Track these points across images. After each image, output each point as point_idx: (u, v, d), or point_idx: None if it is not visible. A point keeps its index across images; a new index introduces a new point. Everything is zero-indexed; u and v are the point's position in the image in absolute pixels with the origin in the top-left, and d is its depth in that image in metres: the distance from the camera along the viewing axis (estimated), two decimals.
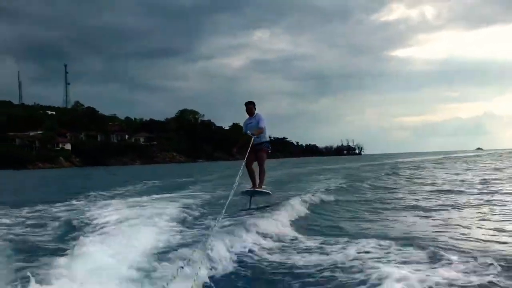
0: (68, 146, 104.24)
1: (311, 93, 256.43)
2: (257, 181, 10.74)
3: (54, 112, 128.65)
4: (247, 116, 10.92)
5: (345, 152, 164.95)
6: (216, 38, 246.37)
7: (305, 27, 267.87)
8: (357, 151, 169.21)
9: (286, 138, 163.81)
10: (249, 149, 10.37)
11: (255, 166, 10.82)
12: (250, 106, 10.83)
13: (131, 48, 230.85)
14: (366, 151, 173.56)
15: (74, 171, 64.06)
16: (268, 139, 11.02)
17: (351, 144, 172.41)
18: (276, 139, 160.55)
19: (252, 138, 10.48)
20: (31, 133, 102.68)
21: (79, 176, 43.39)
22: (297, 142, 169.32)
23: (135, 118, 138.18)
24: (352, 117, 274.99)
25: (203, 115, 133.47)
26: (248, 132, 10.70)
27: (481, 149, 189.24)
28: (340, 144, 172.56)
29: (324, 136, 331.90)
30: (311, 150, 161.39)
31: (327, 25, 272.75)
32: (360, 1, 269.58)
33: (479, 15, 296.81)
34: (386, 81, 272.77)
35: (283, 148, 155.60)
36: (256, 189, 10.71)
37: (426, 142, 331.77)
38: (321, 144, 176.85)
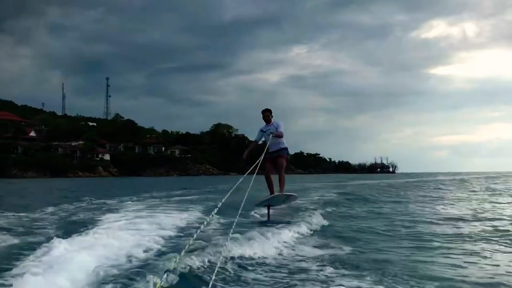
0: (107, 157, 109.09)
1: (348, 109, 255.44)
2: (275, 190, 10.36)
3: (95, 124, 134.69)
4: (264, 124, 10.63)
5: (378, 170, 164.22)
6: (254, 53, 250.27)
7: (344, 43, 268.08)
8: (391, 169, 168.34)
9: (319, 154, 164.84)
10: (263, 155, 10.00)
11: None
12: (267, 113, 10.60)
13: (172, 63, 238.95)
14: (401, 169, 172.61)
15: (110, 180, 67.70)
16: (286, 145, 10.62)
17: (385, 162, 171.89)
18: (309, 155, 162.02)
19: (268, 144, 10.18)
20: (73, 143, 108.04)
21: (114, 184, 46.51)
22: (330, 159, 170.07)
23: (171, 131, 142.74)
24: (388, 135, 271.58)
25: (237, 129, 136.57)
26: (268, 133, 10.33)
27: None
28: (373, 162, 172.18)
29: (358, 153, 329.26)
30: (344, 167, 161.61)
31: (366, 42, 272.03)
32: (400, 18, 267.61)
33: None
34: (425, 99, 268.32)
35: (315, 164, 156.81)
36: (279, 194, 10.24)
37: (465, 162, 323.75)
38: (354, 161, 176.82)
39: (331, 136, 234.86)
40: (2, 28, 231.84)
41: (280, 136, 10.34)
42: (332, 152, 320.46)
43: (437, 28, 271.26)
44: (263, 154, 10.02)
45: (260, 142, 10.79)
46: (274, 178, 10.44)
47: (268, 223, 9.81)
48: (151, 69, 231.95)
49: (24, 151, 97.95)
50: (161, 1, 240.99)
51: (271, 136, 10.19)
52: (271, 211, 10.70)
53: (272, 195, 10.30)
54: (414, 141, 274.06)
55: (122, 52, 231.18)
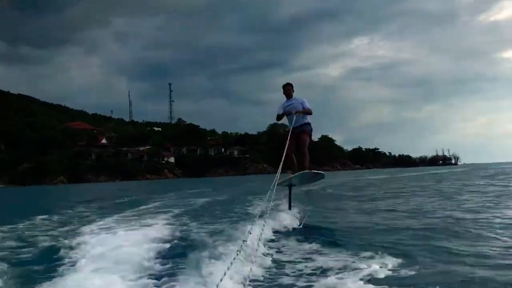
0: (172, 159, 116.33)
1: (414, 100, 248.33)
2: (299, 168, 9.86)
3: (160, 129, 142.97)
4: (285, 99, 10.19)
5: (440, 162, 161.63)
6: (314, 48, 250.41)
7: (408, 32, 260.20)
8: (453, 161, 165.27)
9: (378, 149, 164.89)
10: (290, 133, 9.69)
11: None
12: (288, 87, 10.14)
13: (233, 64, 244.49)
14: (466, 160, 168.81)
15: (175, 181, 73.60)
16: (309, 120, 10.08)
17: (446, 153, 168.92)
18: (367, 150, 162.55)
19: (294, 119, 9.80)
20: (140, 148, 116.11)
21: (182, 183, 51.77)
22: (390, 153, 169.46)
23: (230, 133, 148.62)
24: (458, 125, 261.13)
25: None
26: (294, 112, 9.85)
27: None
28: (435, 154, 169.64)
29: (423, 145, 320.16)
30: (404, 161, 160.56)
31: (431, 29, 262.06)
32: (467, 1, 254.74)
33: None
34: (498, 85, 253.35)
35: (374, 159, 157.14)
36: (304, 172, 9.73)
37: None
38: (416, 154, 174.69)
39: (396, 128, 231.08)
40: (72, 40, 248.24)
41: (309, 113, 10.00)
42: (394, 145, 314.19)
43: (508, 9, 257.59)
44: (290, 132, 9.75)
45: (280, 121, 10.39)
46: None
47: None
48: (213, 71, 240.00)
49: (97, 157, 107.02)
50: (220, 3, 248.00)
51: (294, 114, 9.78)
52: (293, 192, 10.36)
53: (295, 174, 9.73)
54: (486, 130, 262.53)
55: (184, 56, 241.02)
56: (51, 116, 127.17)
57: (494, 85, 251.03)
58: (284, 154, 8.86)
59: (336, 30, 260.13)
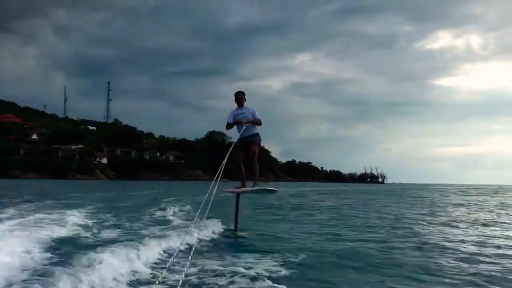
0: (104, 160, 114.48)
1: (349, 118, 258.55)
2: (245, 183, 10.13)
3: (95, 128, 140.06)
4: (235, 107, 10.16)
5: (368, 180, 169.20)
6: (258, 60, 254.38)
7: (349, 52, 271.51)
8: (380, 180, 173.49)
9: (311, 163, 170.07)
10: (235, 142, 9.70)
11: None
12: (240, 96, 10.13)
13: (176, 67, 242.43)
14: (391, 179, 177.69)
15: (104, 183, 72.79)
16: (258, 131, 10.12)
17: (374, 172, 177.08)
18: (301, 163, 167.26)
19: (242, 129, 9.72)
20: (73, 147, 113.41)
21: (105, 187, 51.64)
22: (322, 168, 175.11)
23: (168, 137, 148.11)
24: (389, 145, 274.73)
25: (231, 137, 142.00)
26: (240, 120, 9.87)
27: None
28: (364, 172, 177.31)
29: (354, 162, 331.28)
30: (335, 176, 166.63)
31: (370, 51, 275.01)
32: (405, 29, 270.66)
33: None
34: (429, 110, 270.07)
35: (307, 172, 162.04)
36: (255, 188, 9.88)
37: (467, 174, 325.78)
38: (346, 170, 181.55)
39: (330, 144, 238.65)
40: (8, 28, 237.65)
41: (259, 123, 10.07)
42: (327, 160, 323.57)
43: (442, 39, 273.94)
44: (237, 141, 9.73)
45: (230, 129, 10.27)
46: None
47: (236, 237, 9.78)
48: (155, 73, 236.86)
49: (26, 153, 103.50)
50: (168, 6, 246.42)
51: (245, 124, 9.73)
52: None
53: (252, 188, 9.93)
54: (415, 152, 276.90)
55: (126, 55, 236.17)
56: None
57: (424, 109, 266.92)
58: (223, 163, 8.54)
59: (281, 45, 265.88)
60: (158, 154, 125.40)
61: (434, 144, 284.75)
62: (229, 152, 9.04)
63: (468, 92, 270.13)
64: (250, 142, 9.86)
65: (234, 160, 9.53)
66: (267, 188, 10.60)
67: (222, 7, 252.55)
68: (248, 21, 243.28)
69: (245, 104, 10.15)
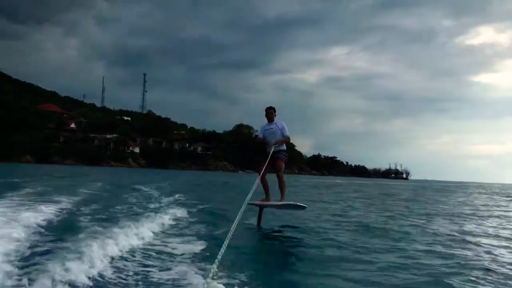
0: (137, 149, 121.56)
1: (385, 113, 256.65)
2: (270, 196, 10.26)
3: (129, 118, 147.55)
4: (266, 122, 10.44)
5: (392, 175, 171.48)
6: (294, 53, 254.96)
7: (386, 46, 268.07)
8: (404, 176, 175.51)
9: (336, 157, 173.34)
10: (268, 159, 9.73)
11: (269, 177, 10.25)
12: (271, 111, 10.40)
13: (212, 59, 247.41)
14: (414, 176, 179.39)
15: (135, 171, 79.05)
16: (285, 147, 10.31)
17: (399, 168, 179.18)
18: (326, 157, 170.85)
19: (272, 148, 9.86)
20: (108, 136, 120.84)
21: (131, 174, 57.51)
22: (347, 162, 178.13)
23: (198, 129, 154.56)
24: (424, 141, 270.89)
25: (257, 130, 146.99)
26: (268, 141, 10.11)
27: None
28: (388, 168, 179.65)
29: (383, 157, 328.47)
30: (359, 171, 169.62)
31: (409, 45, 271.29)
32: (446, 23, 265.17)
33: None
34: (466, 106, 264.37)
35: (331, 166, 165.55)
36: (282, 202, 10.03)
37: (505, 173, 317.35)
38: (371, 165, 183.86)
39: (362, 139, 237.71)
40: (52, 20, 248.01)
41: (286, 141, 10.32)
42: (358, 155, 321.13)
43: (484, 35, 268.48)
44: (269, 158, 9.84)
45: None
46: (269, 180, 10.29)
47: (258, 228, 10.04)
48: (191, 64, 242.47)
49: (65, 141, 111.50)
50: None
51: (273, 145, 9.93)
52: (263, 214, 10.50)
53: (270, 202, 10.23)
54: (450, 148, 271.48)
55: (164, 46, 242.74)
56: (22, 96, 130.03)
57: (461, 106, 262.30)
58: (259, 177, 9.51)
59: (317, 38, 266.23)
60: (187, 145, 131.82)
61: (470, 141, 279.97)
62: (263, 166, 9.63)
63: (508, 89, 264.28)
64: (276, 158, 10.03)
65: (260, 173, 9.78)
66: (296, 204, 10.18)
67: None
68: (285, 13, 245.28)
69: (275, 119, 10.40)
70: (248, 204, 8.14)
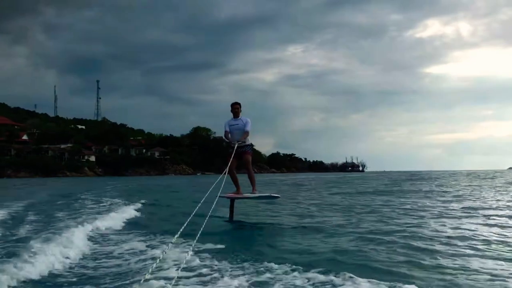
0: (92, 158, 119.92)
1: (342, 108, 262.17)
2: (240, 189, 10.69)
3: (84, 127, 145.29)
4: (231, 117, 10.74)
5: (349, 168, 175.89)
6: (250, 53, 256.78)
7: (339, 43, 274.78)
8: (360, 168, 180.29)
9: (294, 155, 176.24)
10: (233, 155, 10.11)
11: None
12: (236, 106, 10.66)
13: (167, 62, 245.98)
14: (370, 168, 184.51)
15: (92, 179, 78.34)
16: (250, 142, 10.71)
17: (355, 161, 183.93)
18: (285, 155, 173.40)
19: (236, 145, 10.24)
20: (62, 146, 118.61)
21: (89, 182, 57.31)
22: (305, 158, 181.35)
23: (155, 134, 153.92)
24: (382, 134, 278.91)
25: (215, 132, 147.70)
26: (233, 140, 10.46)
27: None
28: (345, 161, 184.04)
29: (342, 152, 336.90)
30: (317, 167, 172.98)
31: (361, 41, 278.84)
32: (395, 18, 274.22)
33: None
34: (420, 98, 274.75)
35: (290, 164, 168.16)
36: (255, 194, 10.53)
37: (458, 160, 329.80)
38: (329, 160, 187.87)
39: (322, 135, 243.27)
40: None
41: (246, 136, 10.56)
42: (311, 151, 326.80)
43: (431, 28, 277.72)
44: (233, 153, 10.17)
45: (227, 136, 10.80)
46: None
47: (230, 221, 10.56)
48: (146, 68, 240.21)
49: (17, 153, 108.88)
50: (156, 1, 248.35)
51: (236, 143, 10.32)
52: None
53: (243, 195, 10.64)
54: (407, 139, 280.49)
55: (117, 51, 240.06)
56: None
57: (415, 97, 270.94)
58: (227, 170, 9.75)
59: (272, 37, 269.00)
60: (144, 150, 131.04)
61: (425, 131, 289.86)
62: (229, 160, 10.13)
63: (458, 79, 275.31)
64: (243, 152, 10.47)
65: (228, 167, 10.02)
66: (271, 194, 10.98)
67: (212, 1, 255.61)
68: (238, 13, 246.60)
69: (241, 115, 10.73)
70: (220, 197, 8.66)
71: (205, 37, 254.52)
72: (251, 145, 10.78)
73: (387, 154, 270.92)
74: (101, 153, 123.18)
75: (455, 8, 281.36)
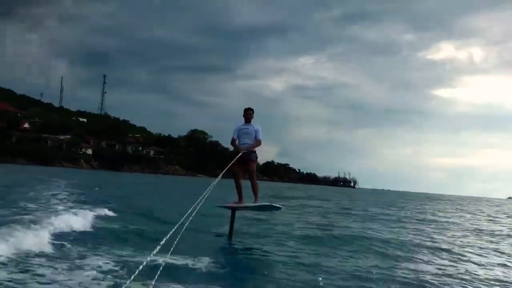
0: (89, 151, 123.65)
1: (347, 122, 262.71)
2: (243, 199, 10.40)
3: (85, 120, 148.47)
4: (242, 122, 10.54)
5: (341, 183, 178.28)
6: (261, 60, 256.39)
7: (351, 58, 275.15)
8: (352, 184, 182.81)
9: (288, 164, 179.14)
10: (235, 159, 9.87)
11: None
12: (249, 112, 10.49)
13: (178, 62, 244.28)
14: (362, 185, 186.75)
15: (86, 172, 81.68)
16: (256, 149, 10.43)
17: (347, 176, 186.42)
18: (279, 164, 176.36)
19: (242, 151, 9.99)
20: (61, 137, 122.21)
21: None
22: (299, 169, 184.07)
23: (154, 133, 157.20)
24: (384, 151, 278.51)
25: (211, 135, 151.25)
26: (239, 146, 10.22)
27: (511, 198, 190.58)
28: (337, 176, 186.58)
29: (334, 166, 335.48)
30: (310, 178, 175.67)
31: (372, 57, 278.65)
32: (409, 38, 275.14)
33: None
34: (426, 119, 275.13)
35: (284, 173, 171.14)
36: (256, 204, 10.14)
37: (458, 186, 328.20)
38: (323, 173, 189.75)
39: (324, 147, 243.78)
40: (14, 15, 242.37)
41: (258, 145, 10.36)
42: (308, 162, 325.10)
43: (444, 51, 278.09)
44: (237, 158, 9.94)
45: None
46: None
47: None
48: (155, 66, 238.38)
49: (18, 140, 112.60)
50: (175, 1, 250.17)
51: (245, 150, 10.08)
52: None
53: (244, 204, 10.27)
54: (409, 159, 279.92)
55: (129, 47, 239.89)
56: None
57: (421, 119, 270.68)
58: (220, 176, 8.88)
59: (284, 47, 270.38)
60: (141, 148, 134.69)
61: (429, 153, 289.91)
62: (235, 167, 9.90)
63: (467, 104, 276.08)
64: (248, 160, 10.21)
65: (233, 174, 9.93)
66: (272, 204, 10.62)
67: (228, 6, 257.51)
68: (255, 20, 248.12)
69: (253, 121, 10.52)
70: (220, 207, 9.02)
71: (219, 40, 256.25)
72: (256, 152, 10.57)
73: (387, 172, 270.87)
74: (99, 147, 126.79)
75: (469, 33, 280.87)
